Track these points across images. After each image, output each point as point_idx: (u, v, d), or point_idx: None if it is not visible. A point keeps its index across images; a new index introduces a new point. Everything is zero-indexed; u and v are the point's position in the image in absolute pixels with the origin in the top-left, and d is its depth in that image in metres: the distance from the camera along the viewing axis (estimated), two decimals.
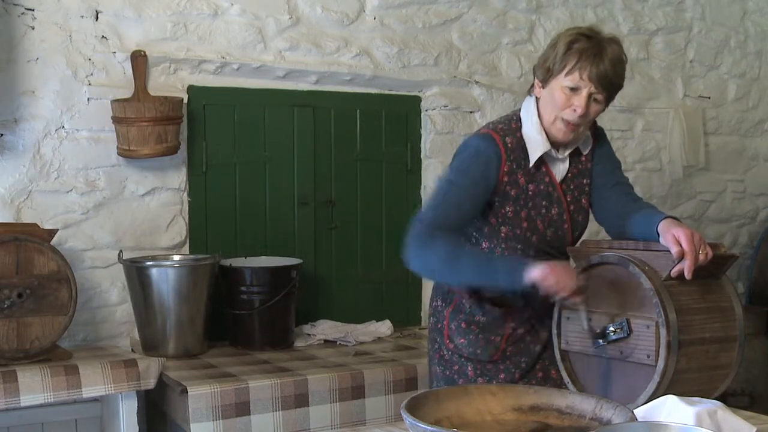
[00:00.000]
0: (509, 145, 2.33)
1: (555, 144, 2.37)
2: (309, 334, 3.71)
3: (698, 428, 1.50)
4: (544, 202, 2.37)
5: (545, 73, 2.30)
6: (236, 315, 3.50)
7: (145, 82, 3.46)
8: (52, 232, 3.06)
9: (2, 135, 3.29)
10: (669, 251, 2.09)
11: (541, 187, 2.37)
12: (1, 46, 3.26)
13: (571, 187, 2.42)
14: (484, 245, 2.39)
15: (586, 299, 2.17)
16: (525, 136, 2.35)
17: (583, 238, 2.48)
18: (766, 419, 2.03)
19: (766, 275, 4.96)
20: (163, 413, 3.17)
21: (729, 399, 3.92)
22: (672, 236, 2.09)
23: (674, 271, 2.10)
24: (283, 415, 2.97)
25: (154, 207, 3.55)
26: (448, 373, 2.48)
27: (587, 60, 2.23)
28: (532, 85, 2.39)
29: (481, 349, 2.42)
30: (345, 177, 3.94)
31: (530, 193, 2.35)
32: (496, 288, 2.28)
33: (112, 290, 3.50)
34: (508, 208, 2.34)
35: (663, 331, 2.05)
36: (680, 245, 2.07)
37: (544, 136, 2.34)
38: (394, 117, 4.06)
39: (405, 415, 1.60)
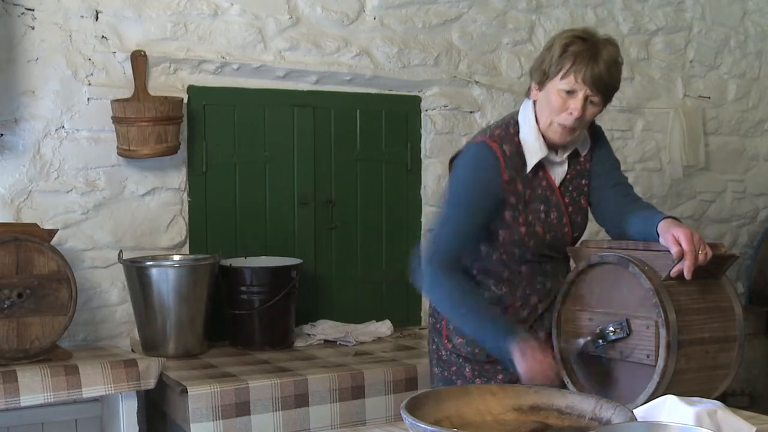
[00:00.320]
0: (507, 153, 2.32)
1: (553, 146, 2.36)
2: (309, 334, 3.71)
3: (698, 428, 1.50)
4: (542, 207, 2.36)
5: (541, 76, 2.30)
6: (236, 315, 3.50)
7: (145, 82, 3.46)
8: (52, 232, 3.06)
9: (2, 135, 3.29)
10: (669, 251, 2.09)
11: (539, 191, 2.36)
12: (1, 46, 3.27)
13: (570, 188, 2.42)
14: (482, 249, 2.39)
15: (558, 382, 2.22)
16: (522, 142, 2.34)
17: (583, 238, 2.48)
18: (766, 419, 2.03)
19: (766, 275, 4.95)
20: (163, 413, 3.17)
21: (729, 399, 3.92)
22: (672, 236, 2.09)
23: (674, 271, 2.10)
24: (283, 415, 2.97)
25: (154, 207, 3.55)
26: (446, 374, 2.49)
27: (582, 63, 2.22)
28: (529, 88, 2.39)
29: (479, 348, 2.42)
30: (345, 177, 3.95)
31: (528, 198, 2.34)
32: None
33: (112, 290, 3.50)
34: (506, 213, 2.34)
35: (663, 331, 2.05)
36: (680, 245, 2.07)
37: (542, 141, 2.33)
38: (394, 117, 4.06)
39: (405, 415, 1.60)
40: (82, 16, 3.40)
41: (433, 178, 4.09)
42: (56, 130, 3.37)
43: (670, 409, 1.75)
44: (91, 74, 3.42)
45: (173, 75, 3.57)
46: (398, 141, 4.07)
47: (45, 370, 2.82)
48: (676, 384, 2.06)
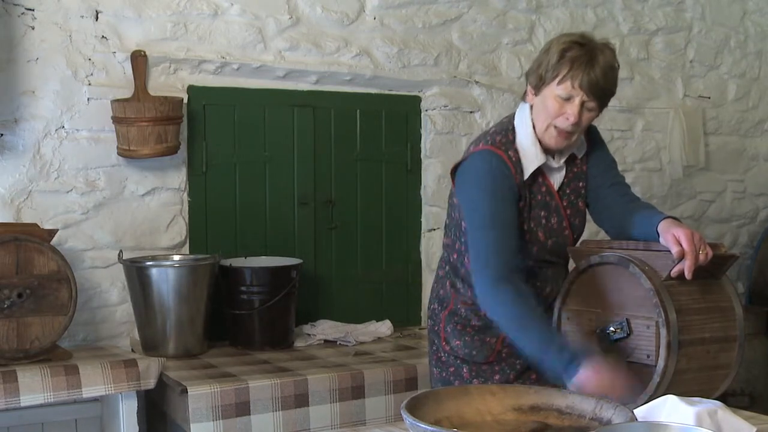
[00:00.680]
0: (513, 159, 2.31)
1: (549, 151, 2.36)
2: (309, 334, 3.71)
3: (698, 428, 1.50)
4: (543, 212, 2.36)
5: (538, 80, 2.30)
6: (236, 315, 3.50)
7: (145, 82, 3.46)
8: (52, 232, 3.06)
9: (2, 135, 3.29)
10: (669, 251, 2.09)
11: (539, 197, 2.36)
12: (1, 46, 3.26)
13: (567, 191, 2.41)
14: None
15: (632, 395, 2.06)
16: (520, 148, 2.33)
17: (583, 237, 2.48)
18: (766, 419, 2.03)
19: (766, 275, 4.95)
20: (163, 413, 3.17)
21: (729, 399, 3.92)
22: (672, 236, 2.09)
23: (674, 271, 2.10)
24: (283, 415, 2.97)
25: (154, 207, 3.55)
26: (444, 374, 2.49)
27: (579, 69, 2.22)
28: (525, 92, 2.38)
29: (477, 350, 2.43)
30: (345, 177, 3.94)
31: (529, 204, 2.34)
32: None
33: (112, 290, 3.50)
34: None
35: (663, 331, 2.05)
36: (680, 245, 2.08)
37: (539, 147, 2.32)
38: (394, 117, 4.06)
39: (405, 415, 1.60)
40: (82, 16, 3.40)
41: (433, 178, 4.09)
42: (56, 130, 3.37)
43: (671, 409, 1.75)
44: (91, 74, 3.42)
45: (173, 75, 3.57)
46: (398, 141, 4.07)
47: (45, 370, 2.82)
48: (677, 384, 2.06)
